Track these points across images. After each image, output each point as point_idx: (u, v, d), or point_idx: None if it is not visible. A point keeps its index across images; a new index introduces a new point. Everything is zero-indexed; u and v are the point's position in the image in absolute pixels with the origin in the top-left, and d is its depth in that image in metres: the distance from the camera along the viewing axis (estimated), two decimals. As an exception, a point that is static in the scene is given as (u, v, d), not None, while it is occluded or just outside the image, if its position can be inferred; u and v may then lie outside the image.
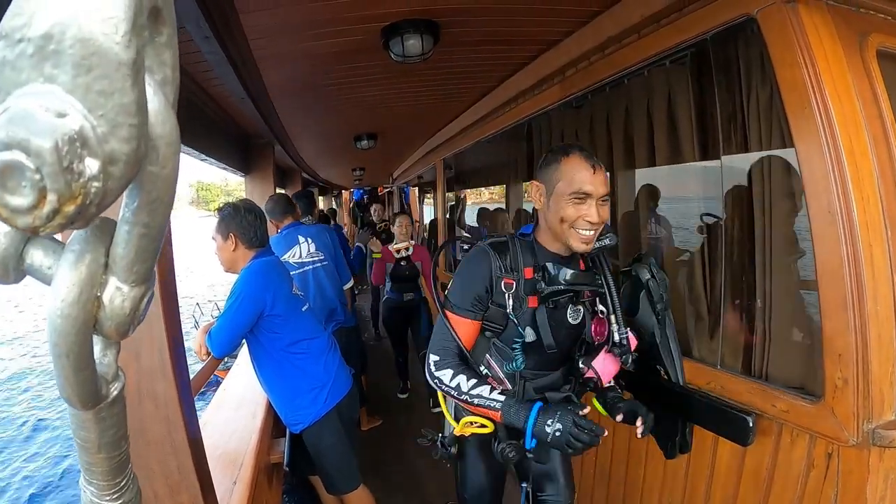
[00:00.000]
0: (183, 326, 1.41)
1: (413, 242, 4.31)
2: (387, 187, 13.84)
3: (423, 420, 4.33)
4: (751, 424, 1.50)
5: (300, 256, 3.31)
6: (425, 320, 4.40)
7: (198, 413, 1.62)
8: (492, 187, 6.20)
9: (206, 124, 2.71)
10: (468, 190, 5.97)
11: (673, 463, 1.84)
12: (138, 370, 1.24)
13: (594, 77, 2.21)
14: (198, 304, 11.29)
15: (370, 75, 2.63)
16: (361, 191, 14.33)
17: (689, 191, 2.11)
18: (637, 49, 1.92)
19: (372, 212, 8.45)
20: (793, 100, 1.35)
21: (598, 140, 2.42)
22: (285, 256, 3.26)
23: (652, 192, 2.40)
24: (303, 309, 2.22)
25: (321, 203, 13.26)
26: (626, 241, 2.34)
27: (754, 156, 1.70)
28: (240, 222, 2.12)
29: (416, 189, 10.37)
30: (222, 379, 3.61)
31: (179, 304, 1.42)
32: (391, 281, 4.30)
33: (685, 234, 2.44)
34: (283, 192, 3.84)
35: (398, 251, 4.20)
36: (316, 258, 3.35)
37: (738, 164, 1.78)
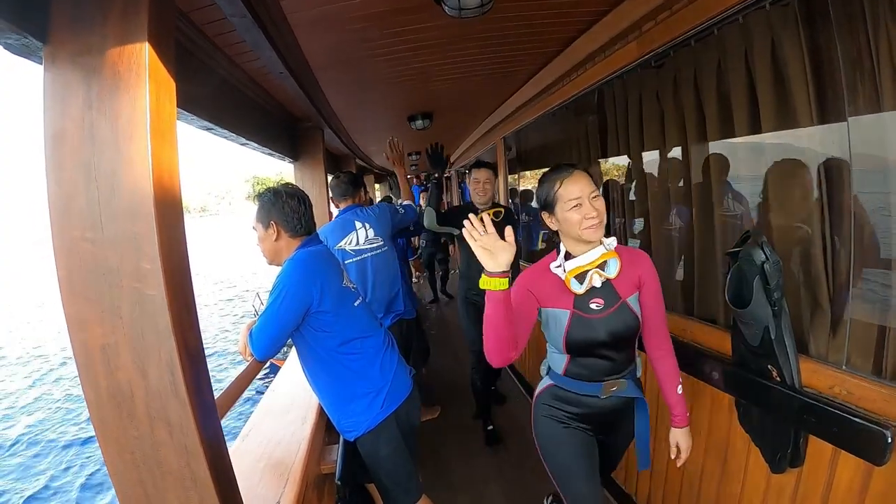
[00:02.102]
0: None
1: (613, 241, 1.63)
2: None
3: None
4: (888, 440, 1.26)
5: (357, 243, 3.12)
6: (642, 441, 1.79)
7: (244, 416, 1.41)
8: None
9: (245, 105, 2.52)
10: (528, 172, 5.60)
11: (779, 479, 1.62)
12: (146, 391, 1.04)
13: (677, 29, 1.91)
14: (258, 294, 11.47)
15: (422, 41, 2.37)
16: (420, 187, 11.88)
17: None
18: (730, -10, 1.61)
19: (473, 188, 3.54)
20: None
21: (686, 104, 2.09)
22: (341, 244, 3.09)
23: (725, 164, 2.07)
24: (355, 304, 1.99)
25: (377, 192, 13.19)
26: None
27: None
28: (281, 209, 1.92)
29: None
30: (280, 367, 3.47)
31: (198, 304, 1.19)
32: (569, 350, 1.68)
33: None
34: (350, 171, 3.54)
35: (581, 275, 1.63)
36: (375, 244, 3.15)
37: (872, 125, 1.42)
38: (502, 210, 3.46)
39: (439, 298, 8.44)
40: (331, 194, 3.30)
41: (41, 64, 1.04)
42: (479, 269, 1.47)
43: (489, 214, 1.94)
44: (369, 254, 3.13)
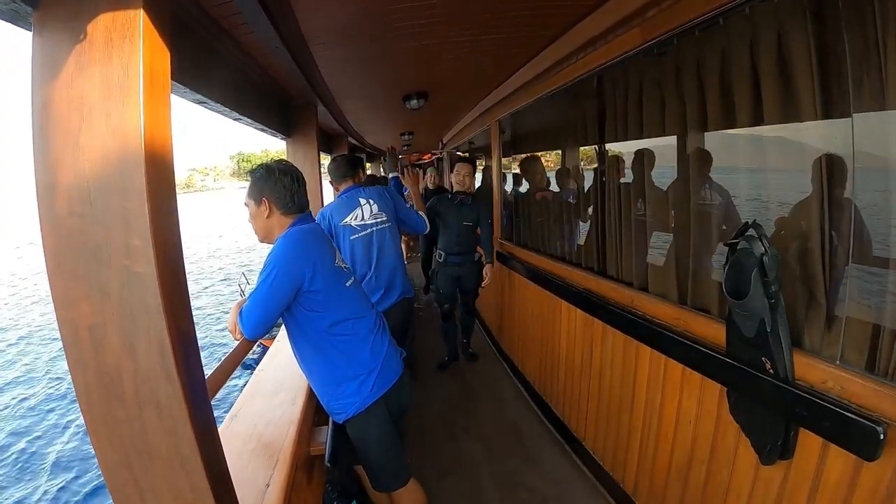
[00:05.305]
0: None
1: None
2: (435, 153, 13.46)
3: (470, 392, 4.14)
4: (881, 436, 1.26)
5: (363, 218, 3.19)
6: None
7: (232, 397, 1.38)
8: (554, 151, 5.21)
9: (238, 79, 2.45)
10: (521, 155, 5.53)
11: (768, 470, 1.63)
12: (135, 371, 1.00)
13: (682, 17, 1.88)
14: (244, 273, 11.40)
15: (423, 19, 2.30)
16: (397, 177, 11.33)
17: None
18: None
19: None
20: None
21: (688, 94, 2.07)
22: (347, 220, 3.16)
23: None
24: (347, 284, 1.97)
25: (369, 170, 13.07)
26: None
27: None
28: (274, 185, 1.88)
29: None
30: (269, 347, 3.46)
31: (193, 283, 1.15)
32: None
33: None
34: (345, 154, 3.59)
35: None
36: (380, 219, 3.23)
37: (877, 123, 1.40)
38: None
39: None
40: (330, 178, 3.35)
41: (30, 31, 0.98)
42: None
43: None
44: (374, 228, 3.19)
